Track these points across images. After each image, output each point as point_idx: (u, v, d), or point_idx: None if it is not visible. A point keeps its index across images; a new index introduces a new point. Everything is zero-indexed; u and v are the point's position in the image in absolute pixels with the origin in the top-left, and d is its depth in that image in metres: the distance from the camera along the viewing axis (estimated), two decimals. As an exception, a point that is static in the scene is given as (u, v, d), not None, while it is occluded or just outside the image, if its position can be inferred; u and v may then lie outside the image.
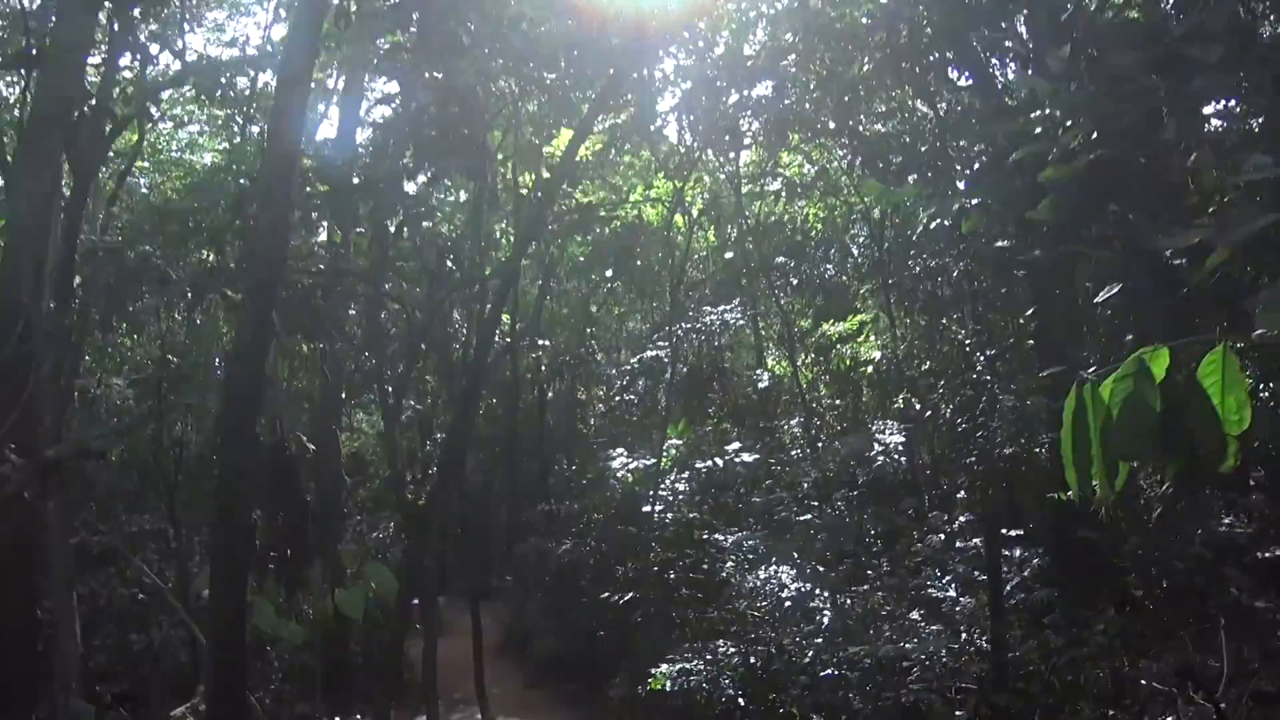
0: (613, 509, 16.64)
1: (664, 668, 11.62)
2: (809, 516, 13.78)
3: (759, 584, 12.89)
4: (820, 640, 11.23)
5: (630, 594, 14.04)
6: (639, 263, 29.34)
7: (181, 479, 16.60)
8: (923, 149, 11.23)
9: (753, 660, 11.51)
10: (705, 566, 14.98)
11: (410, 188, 11.14)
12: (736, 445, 15.81)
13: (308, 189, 10.75)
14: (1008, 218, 5.78)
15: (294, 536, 14.01)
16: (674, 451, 15.73)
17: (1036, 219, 5.01)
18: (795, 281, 26.38)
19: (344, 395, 18.11)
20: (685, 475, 15.73)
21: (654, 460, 15.16)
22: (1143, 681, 9.06)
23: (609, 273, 29.16)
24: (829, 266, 27.97)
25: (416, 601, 16.63)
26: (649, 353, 20.33)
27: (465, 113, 9.42)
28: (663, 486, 15.75)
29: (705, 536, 15.09)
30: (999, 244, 7.88)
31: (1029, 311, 13.01)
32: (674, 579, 14.52)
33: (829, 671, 10.72)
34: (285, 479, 13.85)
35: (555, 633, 17.58)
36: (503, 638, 22.12)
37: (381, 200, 9.05)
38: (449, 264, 13.94)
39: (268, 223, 4.97)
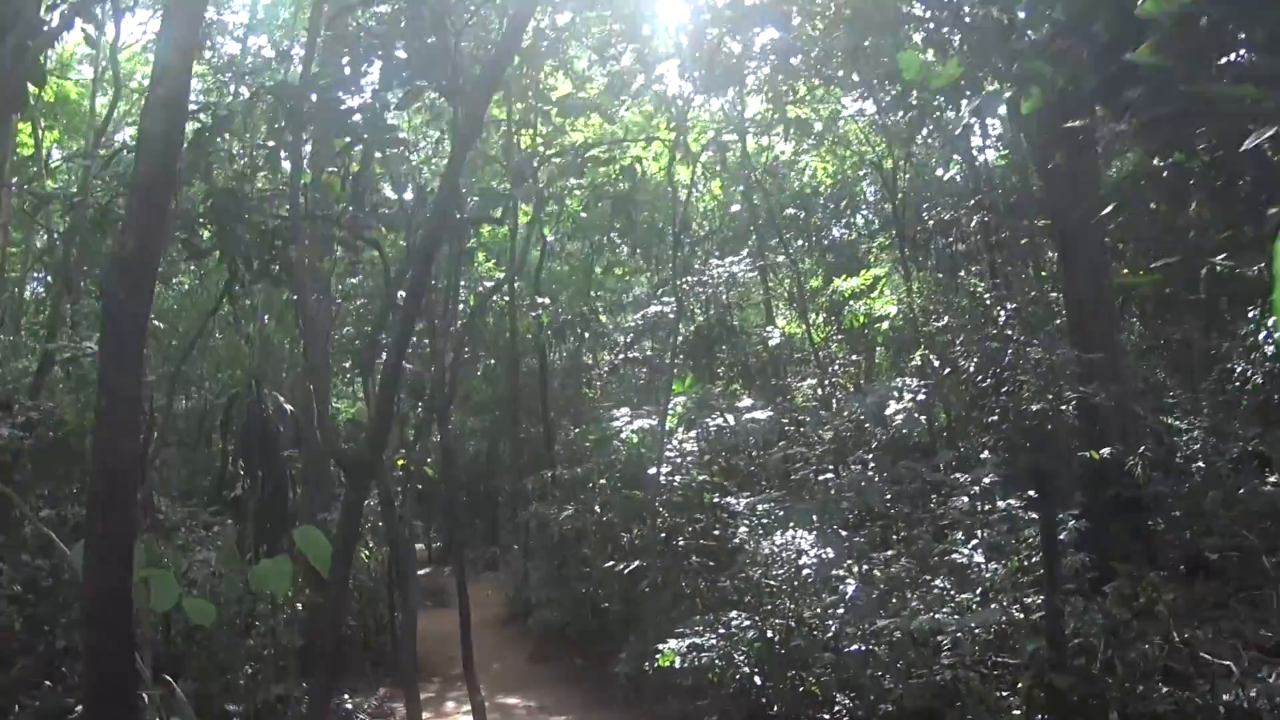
0: (617, 473, 15.59)
1: (672, 643, 10.61)
2: (828, 477, 12.69)
3: (775, 550, 11.84)
4: (843, 611, 10.17)
5: (636, 563, 13.01)
6: (642, 220, 28.23)
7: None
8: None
9: (770, 634, 10.49)
10: (716, 532, 13.94)
11: (391, 119, 9.96)
12: (748, 402, 14.72)
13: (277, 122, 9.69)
14: (1085, 78, 4.63)
15: (272, 505, 13.00)
16: (681, 410, 14.65)
17: (1139, 60, 3.87)
18: (803, 242, 25.20)
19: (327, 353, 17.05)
20: (694, 435, 14.66)
21: (660, 420, 14.08)
22: (1207, 656, 8.03)
23: (611, 234, 28.06)
24: (839, 223, 26.85)
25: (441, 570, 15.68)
26: (653, 308, 19.19)
27: (437, 23, 8.27)
28: (670, 448, 14.70)
29: (716, 500, 14.04)
30: (1068, 124, 6.77)
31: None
32: (683, 546, 13.49)
33: (855, 647, 9.69)
34: (263, 443, 12.83)
35: (558, 604, 16.59)
36: (506, 609, 21.17)
37: (335, 116, 7.91)
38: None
39: (160, 105, 3.84)
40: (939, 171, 24.12)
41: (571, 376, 29.60)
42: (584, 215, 28.14)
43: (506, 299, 22.95)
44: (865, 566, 11.21)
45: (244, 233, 9.95)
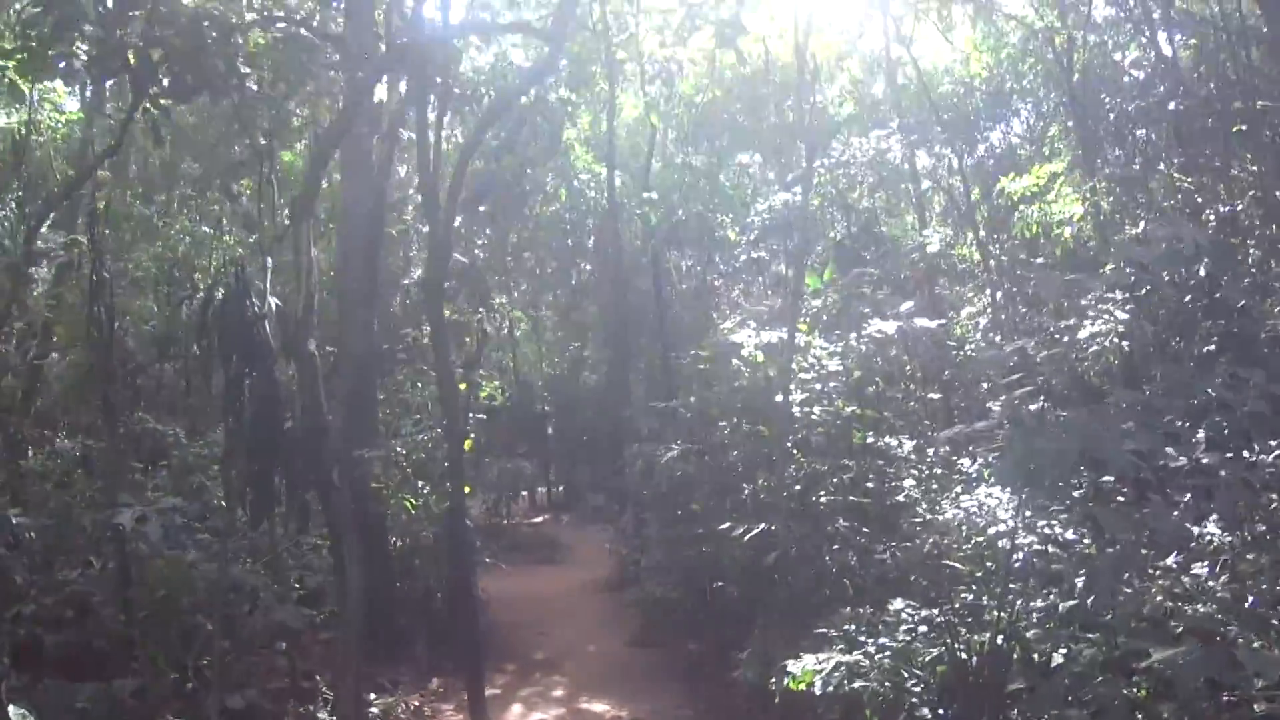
0: (737, 403, 11.94)
1: (809, 660, 7.01)
2: (1035, 408, 8.75)
3: (960, 516, 8.07)
4: (1069, 612, 6.35)
5: (761, 525, 9.38)
6: (771, 116, 24.18)
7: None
8: None
9: (959, 648, 6.76)
10: (871, 484, 10.25)
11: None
12: (909, 305, 10.80)
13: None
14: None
15: (261, 472, 9.90)
16: (820, 313, 10.84)
17: None
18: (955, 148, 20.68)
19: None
20: (837, 349, 10.85)
21: (789, 328, 10.34)
22: None
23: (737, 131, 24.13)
24: (1000, 125, 22.30)
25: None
26: (781, 196, 15.34)
27: None
28: (805, 367, 10.98)
29: (870, 440, 10.30)
30: None
31: None
32: (825, 504, 9.83)
33: (1104, 680, 5.88)
34: (249, 353, 9.72)
35: (667, 573, 13.13)
36: (618, 572, 17.87)
37: None
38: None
39: None
40: (1117, 55, 19.73)
41: (699, 300, 25.97)
42: (697, 99, 24.31)
43: (606, 202, 19.40)
44: (1093, 544, 7.26)
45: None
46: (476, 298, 12.44)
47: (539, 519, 28.68)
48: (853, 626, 7.83)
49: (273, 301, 10.05)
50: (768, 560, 9.30)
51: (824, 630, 7.89)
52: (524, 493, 30.23)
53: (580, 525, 25.54)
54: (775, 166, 25.37)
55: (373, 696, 10.77)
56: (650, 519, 14.72)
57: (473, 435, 12.86)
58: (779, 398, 10.01)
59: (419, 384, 14.97)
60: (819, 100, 21.94)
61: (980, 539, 7.60)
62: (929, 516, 8.69)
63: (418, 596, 13.40)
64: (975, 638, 6.53)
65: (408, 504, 12.18)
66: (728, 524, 9.88)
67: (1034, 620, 6.40)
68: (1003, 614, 6.44)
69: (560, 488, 31.86)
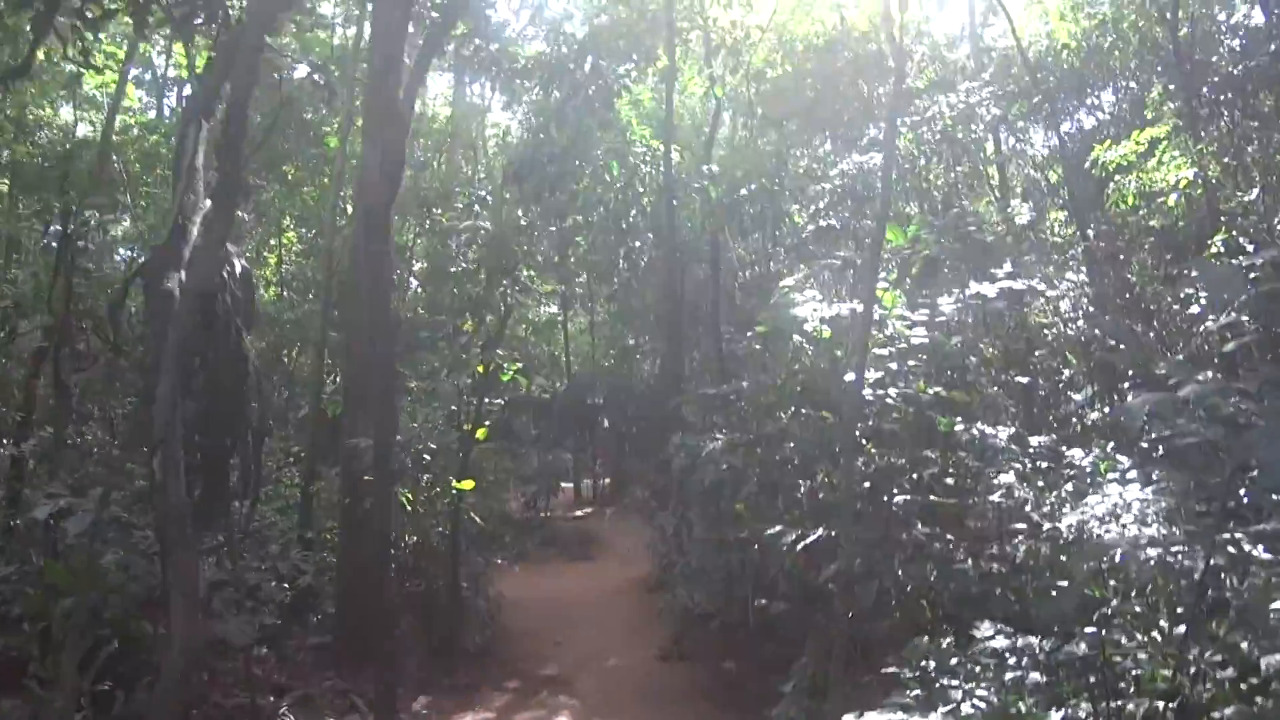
0: (797, 385, 10.04)
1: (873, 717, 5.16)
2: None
3: (1085, 529, 6.13)
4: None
5: (818, 531, 7.49)
6: (844, 88, 22.09)
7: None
8: None
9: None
10: (952, 479, 8.33)
11: None
12: (1008, 268, 8.80)
13: None
14: None
15: (212, 456, 8.31)
16: (903, 273, 8.89)
17: None
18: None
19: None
20: (920, 320, 8.88)
21: (865, 297, 8.40)
22: None
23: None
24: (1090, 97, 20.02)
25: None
26: (855, 159, 13.39)
27: None
28: (881, 343, 9.06)
29: (960, 429, 8.36)
30: None
31: None
32: (901, 505, 7.91)
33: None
34: (211, 332, 8.09)
35: (705, 579, 11.25)
36: (658, 569, 15.97)
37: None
38: None
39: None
40: (1223, 15, 17.50)
41: (760, 288, 24.02)
42: (767, 74, 22.34)
43: (662, 171, 17.52)
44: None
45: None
46: (500, 269, 10.67)
47: (582, 512, 26.98)
48: (932, 663, 5.96)
49: (238, 263, 8.47)
50: (825, 573, 7.39)
51: (892, 668, 6.03)
52: (569, 485, 28.59)
53: (624, 520, 23.75)
54: (847, 151, 23.38)
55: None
56: (691, 517, 12.88)
57: (487, 424, 11.08)
58: (849, 376, 8.09)
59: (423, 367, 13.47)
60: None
61: (1119, 554, 5.63)
62: (1044, 523, 6.73)
63: (421, 601, 11.69)
64: (1130, 707, 4.58)
65: (404, 498, 10.47)
66: (778, 528, 8.00)
67: (1217, 678, 4.44)
68: (1167, 667, 4.49)
69: (607, 480, 30.12)
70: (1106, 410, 16.31)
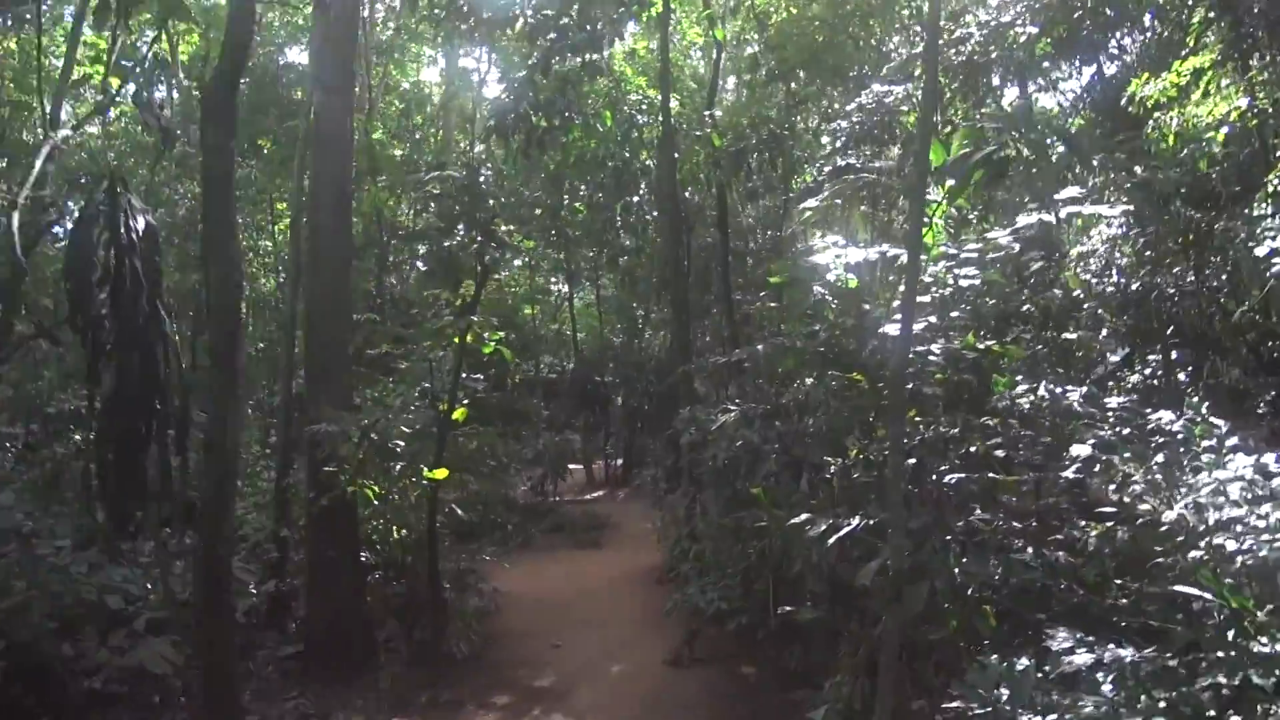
0: (819, 343, 8.57)
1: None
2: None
3: (1203, 514, 4.71)
4: None
5: (857, 519, 6.06)
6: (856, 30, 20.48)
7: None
8: None
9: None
10: (1005, 451, 6.87)
11: None
12: (1074, 191, 7.30)
13: None
14: None
15: (123, 449, 6.95)
16: (950, 195, 7.36)
17: None
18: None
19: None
20: (970, 258, 7.38)
21: (911, 234, 6.93)
22: None
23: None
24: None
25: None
26: (875, 89, 11.86)
27: None
28: (930, 284, 7.63)
29: (1024, 389, 6.91)
30: None
31: None
32: (954, 485, 6.48)
33: None
34: (119, 292, 6.69)
35: (719, 574, 9.83)
36: (669, 558, 14.58)
37: None
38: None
39: None
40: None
41: (773, 252, 22.54)
42: (773, 17, 20.74)
43: (661, 120, 15.97)
44: None
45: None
46: (474, 224, 9.23)
47: (592, 496, 25.70)
48: (1004, 691, 4.64)
49: (144, 220, 7.06)
50: (864, 572, 5.97)
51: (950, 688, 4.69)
52: (578, 467, 27.31)
53: (636, 502, 22.48)
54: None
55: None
56: (704, 499, 11.50)
57: (466, 403, 9.66)
58: (891, 328, 6.65)
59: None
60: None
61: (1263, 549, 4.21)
62: (1143, 503, 5.31)
63: (401, 604, 10.34)
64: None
65: (369, 491, 9.08)
66: (804, 515, 6.57)
67: None
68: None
69: (619, 461, 28.81)
70: (1146, 371, 14.82)
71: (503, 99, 14.42)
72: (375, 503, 9.41)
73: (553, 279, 32.78)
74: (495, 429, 20.98)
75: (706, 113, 15.73)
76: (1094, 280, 14.30)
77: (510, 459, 21.37)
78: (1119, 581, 6.72)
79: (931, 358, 7.33)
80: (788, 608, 7.38)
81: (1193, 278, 12.69)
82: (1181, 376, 13.90)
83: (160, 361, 7.00)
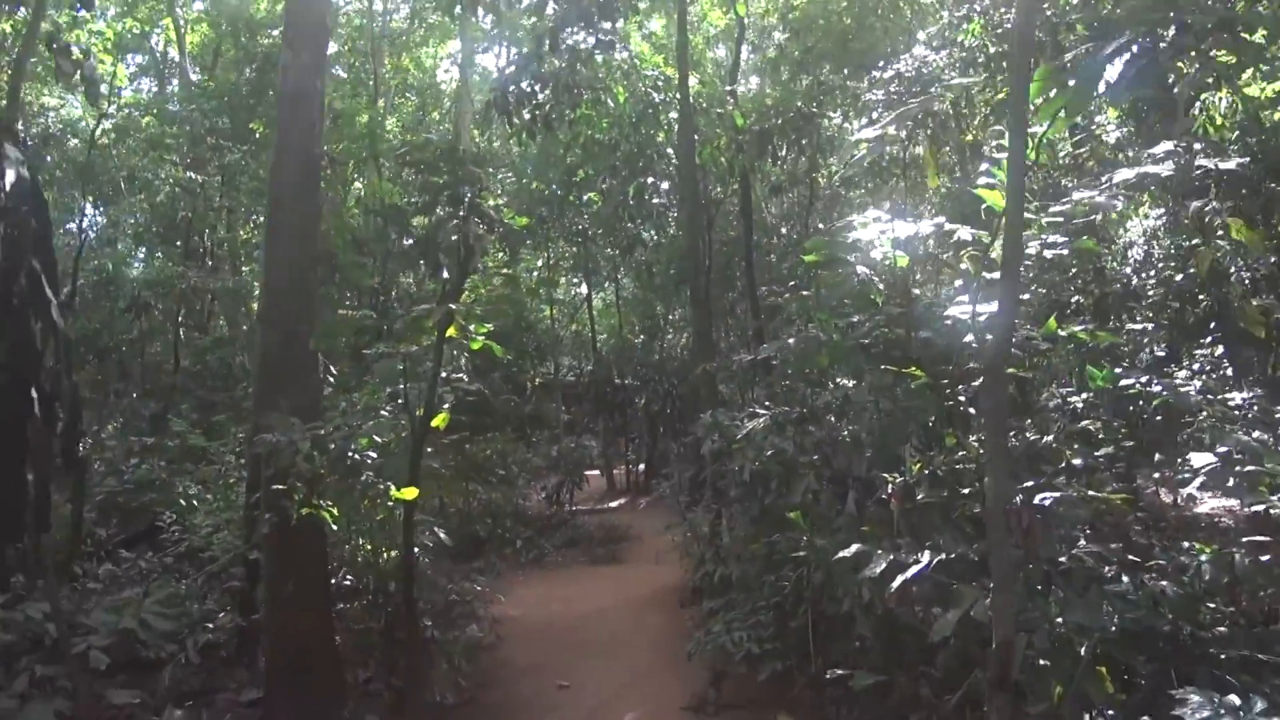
0: (862, 334, 7.13)
1: None
2: None
3: None
4: None
5: (922, 553, 4.64)
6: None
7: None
8: None
9: None
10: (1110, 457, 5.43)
11: None
12: (1167, 146, 5.82)
13: None
14: None
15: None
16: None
17: None
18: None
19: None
20: (1056, 218, 5.90)
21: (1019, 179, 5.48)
22: None
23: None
24: None
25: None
26: (917, 51, 10.42)
27: None
28: (986, 267, 6.16)
29: (1127, 382, 5.47)
30: None
31: None
32: (1053, 504, 5.03)
33: None
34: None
35: (748, 606, 8.38)
36: (695, 577, 13.08)
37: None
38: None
39: None
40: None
41: (798, 248, 21.08)
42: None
43: (678, 99, 14.55)
44: None
45: None
46: (453, 197, 7.84)
47: (613, 504, 24.25)
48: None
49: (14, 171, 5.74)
50: (942, 624, 4.54)
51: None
52: (597, 473, 25.92)
53: (658, 512, 20.98)
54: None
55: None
56: (729, 517, 10.08)
57: (446, 407, 8.25)
58: (957, 309, 5.22)
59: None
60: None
61: None
62: None
63: (378, 643, 8.97)
64: None
65: (325, 514, 7.67)
66: (855, 547, 5.15)
67: None
68: None
69: (641, 466, 27.38)
70: (1195, 367, 13.42)
71: (506, 71, 13.07)
72: (338, 526, 8.04)
73: (574, 279, 31.46)
74: (504, 435, 19.73)
75: (729, 87, 14.31)
76: (1131, 272, 12.98)
77: (521, 467, 20.10)
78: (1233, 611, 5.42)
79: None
80: (838, 671, 5.93)
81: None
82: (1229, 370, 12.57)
83: (29, 351, 5.68)
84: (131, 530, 13.05)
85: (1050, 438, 5.37)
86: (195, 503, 12.74)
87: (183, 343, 19.87)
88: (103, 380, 18.37)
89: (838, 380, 8.70)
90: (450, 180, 7.98)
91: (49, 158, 20.35)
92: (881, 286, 7.38)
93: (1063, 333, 6.01)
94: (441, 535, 8.86)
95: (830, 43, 19.18)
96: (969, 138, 11.46)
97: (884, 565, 4.73)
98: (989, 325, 5.42)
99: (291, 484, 7.29)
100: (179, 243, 20.54)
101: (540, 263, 28.92)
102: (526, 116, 13.49)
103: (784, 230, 23.78)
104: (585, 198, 21.70)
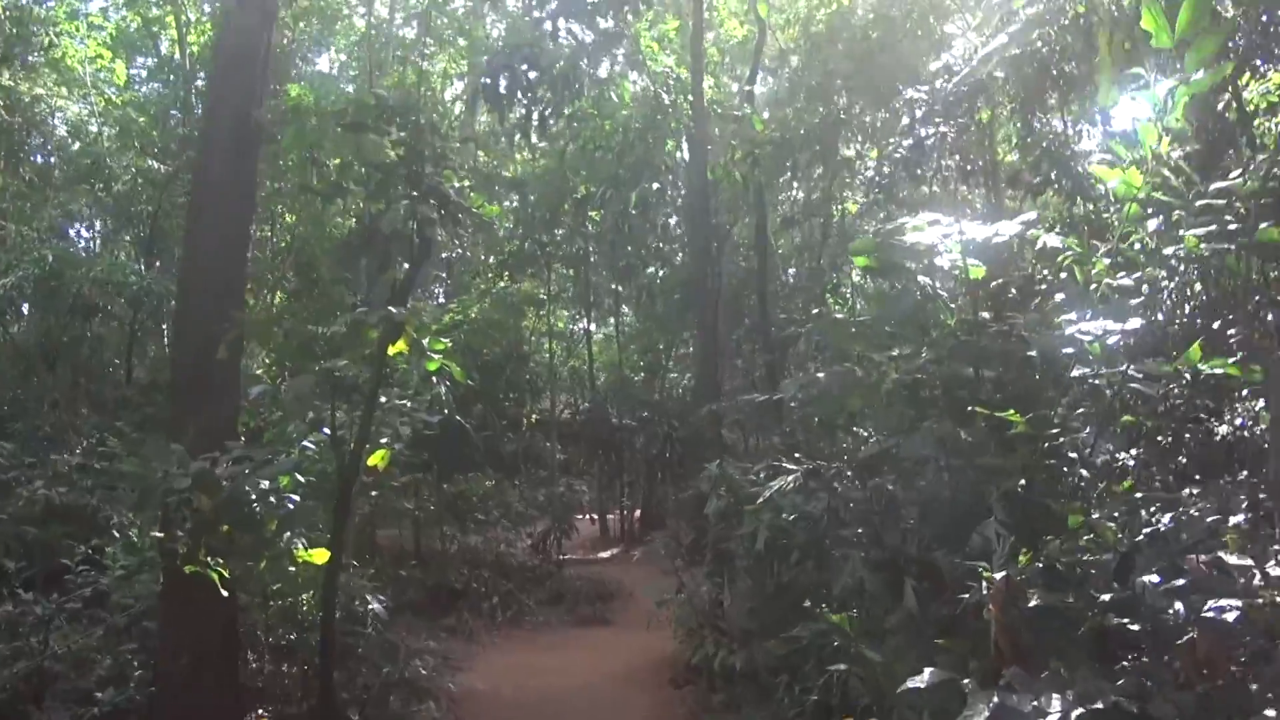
0: (917, 366, 5.47)
1: None
2: None
3: None
4: None
5: (1056, 699, 2.97)
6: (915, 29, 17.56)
7: None
8: None
9: None
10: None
11: None
12: None
13: None
14: None
15: None
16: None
17: None
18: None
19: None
20: (1204, 201, 4.26)
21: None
22: None
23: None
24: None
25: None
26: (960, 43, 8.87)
27: None
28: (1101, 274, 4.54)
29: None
30: None
31: None
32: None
33: None
34: None
35: (756, 700, 6.63)
36: (689, 648, 11.23)
37: None
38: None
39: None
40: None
41: (814, 280, 19.52)
42: (820, 12, 17.80)
43: (690, 101, 13.03)
44: None
45: None
46: (407, 175, 6.20)
47: (605, 554, 22.40)
48: None
49: None
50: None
51: None
52: (588, 517, 24.17)
53: (653, 565, 19.08)
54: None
55: None
56: (734, 590, 8.35)
57: (390, 444, 6.56)
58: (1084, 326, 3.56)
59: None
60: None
61: None
62: None
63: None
64: None
65: (215, 575, 5.87)
66: (927, 674, 3.45)
67: None
68: None
69: (637, 513, 25.59)
70: None
71: (496, 50, 11.51)
72: (252, 582, 6.34)
73: (576, 313, 29.76)
74: (484, 475, 18.01)
75: (746, 87, 12.75)
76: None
77: (504, 512, 18.35)
78: None
79: (1135, 384, 4.24)
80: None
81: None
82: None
83: None
84: (37, 567, 11.28)
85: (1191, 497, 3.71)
86: (116, 534, 11.00)
87: (138, 351, 18.21)
88: (51, 391, 16.65)
89: (870, 429, 7.02)
90: (409, 154, 6.33)
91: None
92: (944, 299, 5.76)
93: (1205, 366, 4.34)
94: (377, 607, 7.12)
95: (851, 64, 17.73)
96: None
97: (986, 715, 3.02)
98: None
99: (171, 533, 5.58)
100: (128, 236, 19.01)
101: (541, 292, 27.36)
102: (521, 111, 11.95)
103: (793, 270, 22.29)
104: (585, 218, 20.14)
